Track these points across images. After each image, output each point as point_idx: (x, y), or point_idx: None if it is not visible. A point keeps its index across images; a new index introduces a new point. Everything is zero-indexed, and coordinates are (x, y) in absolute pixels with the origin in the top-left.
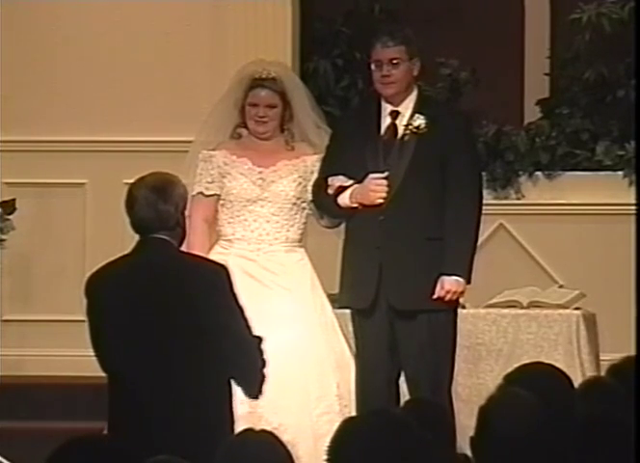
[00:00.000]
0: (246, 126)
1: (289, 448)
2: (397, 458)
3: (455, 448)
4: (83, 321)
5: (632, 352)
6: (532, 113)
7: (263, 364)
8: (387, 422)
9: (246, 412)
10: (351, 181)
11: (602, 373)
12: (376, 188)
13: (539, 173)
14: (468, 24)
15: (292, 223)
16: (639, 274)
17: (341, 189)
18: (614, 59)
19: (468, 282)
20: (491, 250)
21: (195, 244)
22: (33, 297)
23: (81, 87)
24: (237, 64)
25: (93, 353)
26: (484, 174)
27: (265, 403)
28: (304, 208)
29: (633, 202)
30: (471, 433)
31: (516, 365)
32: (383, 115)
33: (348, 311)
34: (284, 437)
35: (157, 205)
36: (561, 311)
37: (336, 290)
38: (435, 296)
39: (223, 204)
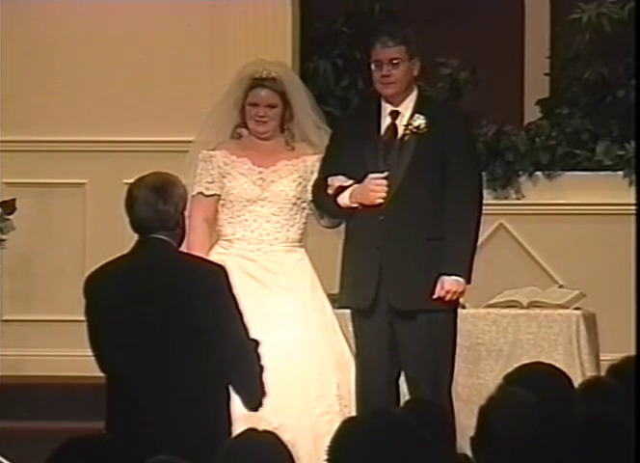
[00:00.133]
0: (246, 126)
1: (289, 448)
2: (397, 458)
3: (455, 448)
4: (83, 321)
5: (632, 352)
6: (532, 113)
7: (261, 369)
8: (387, 422)
9: (246, 412)
10: (351, 181)
11: (602, 373)
12: (376, 188)
13: (539, 173)
14: (468, 24)
15: (292, 223)
16: (639, 274)
17: (341, 189)
18: (614, 59)
19: (469, 282)
20: (491, 250)
21: (195, 244)
22: (33, 297)
23: (81, 87)
24: (237, 64)
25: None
26: (484, 174)
27: (265, 403)
28: (304, 208)
29: (633, 202)
30: (471, 433)
31: (516, 365)
32: (383, 115)
33: (348, 311)
34: (284, 437)
35: (157, 206)
36: (561, 311)
37: (336, 290)
38: (435, 296)
39: (223, 205)
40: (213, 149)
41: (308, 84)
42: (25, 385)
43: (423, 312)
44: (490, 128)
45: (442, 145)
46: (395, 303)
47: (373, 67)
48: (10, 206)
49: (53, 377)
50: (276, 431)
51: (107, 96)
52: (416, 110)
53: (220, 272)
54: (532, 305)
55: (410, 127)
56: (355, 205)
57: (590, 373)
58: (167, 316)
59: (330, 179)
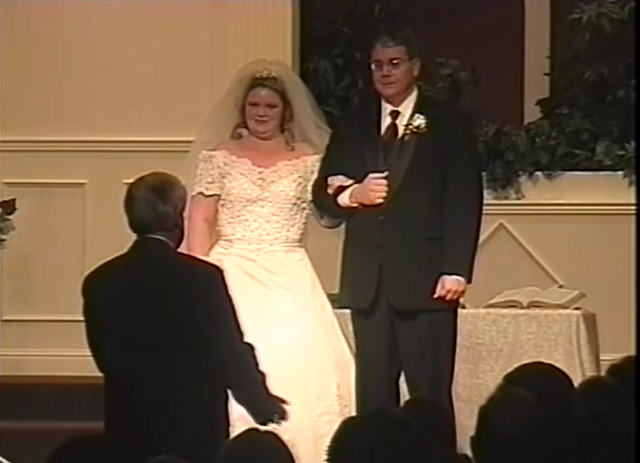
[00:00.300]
0: (246, 126)
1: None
2: (397, 458)
3: (455, 448)
4: (82, 321)
5: (632, 352)
6: (532, 113)
7: (263, 376)
8: (387, 422)
9: (246, 413)
10: (351, 181)
11: (602, 373)
12: (376, 188)
13: (539, 173)
14: (469, 24)
15: (292, 223)
16: (639, 274)
17: (341, 189)
18: (614, 59)
19: (469, 281)
20: (491, 250)
21: (195, 244)
22: (33, 297)
23: (81, 87)
24: (237, 64)
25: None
26: (484, 174)
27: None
28: (304, 208)
29: (633, 202)
30: (471, 433)
31: (516, 365)
32: (383, 115)
33: (348, 311)
34: (284, 437)
35: (156, 206)
36: (561, 311)
37: (336, 290)
38: (436, 295)
39: (223, 205)
40: (213, 150)
41: (308, 84)
42: (25, 385)
43: (423, 311)
44: (490, 128)
45: (443, 145)
46: (395, 303)
47: (373, 67)
48: (10, 206)
49: (53, 377)
50: (276, 431)
51: (107, 96)
52: (416, 110)
53: (216, 273)
54: (532, 305)
55: (410, 127)
56: (355, 205)
57: (590, 373)
58: (164, 316)
59: (330, 179)
